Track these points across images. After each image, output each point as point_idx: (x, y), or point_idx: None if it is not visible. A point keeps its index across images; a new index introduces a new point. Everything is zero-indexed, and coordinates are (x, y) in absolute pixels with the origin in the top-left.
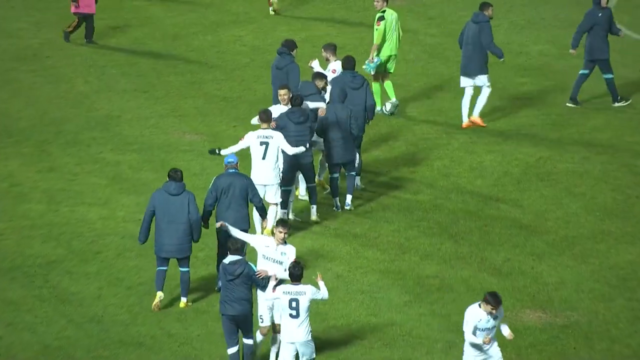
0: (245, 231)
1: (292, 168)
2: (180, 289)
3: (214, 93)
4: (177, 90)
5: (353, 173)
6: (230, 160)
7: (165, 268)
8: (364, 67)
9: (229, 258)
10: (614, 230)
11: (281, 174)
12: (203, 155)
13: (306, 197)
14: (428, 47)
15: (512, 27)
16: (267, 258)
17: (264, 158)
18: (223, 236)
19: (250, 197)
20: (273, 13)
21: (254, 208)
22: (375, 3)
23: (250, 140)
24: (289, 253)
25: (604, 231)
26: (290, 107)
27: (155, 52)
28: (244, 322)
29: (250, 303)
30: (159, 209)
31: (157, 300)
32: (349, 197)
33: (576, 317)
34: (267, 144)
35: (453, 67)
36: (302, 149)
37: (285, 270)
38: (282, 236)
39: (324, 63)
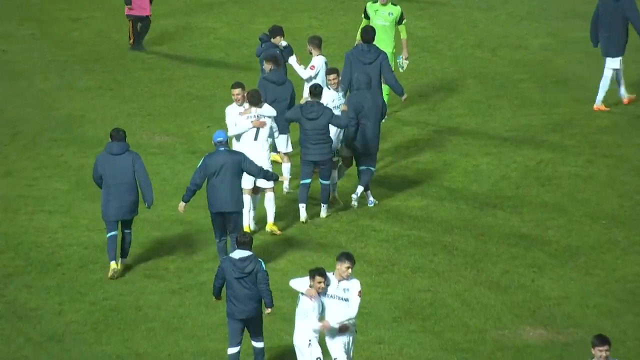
0: (240, 214)
1: (306, 163)
2: (121, 249)
3: (186, 91)
4: (145, 87)
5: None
6: (219, 138)
7: (115, 233)
8: (398, 63)
9: (238, 253)
10: (621, 239)
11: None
12: (174, 158)
13: (289, 191)
14: (418, 40)
15: (510, 18)
16: (330, 296)
17: (255, 139)
18: (217, 219)
19: (246, 170)
20: None
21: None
22: None
23: (242, 121)
24: (353, 288)
25: (610, 240)
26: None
27: (121, 46)
28: (253, 323)
29: (260, 302)
30: (104, 173)
31: (110, 272)
32: (359, 189)
33: (581, 334)
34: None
35: (445, 62)
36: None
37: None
38: (348, 271)
39: (307, 58)
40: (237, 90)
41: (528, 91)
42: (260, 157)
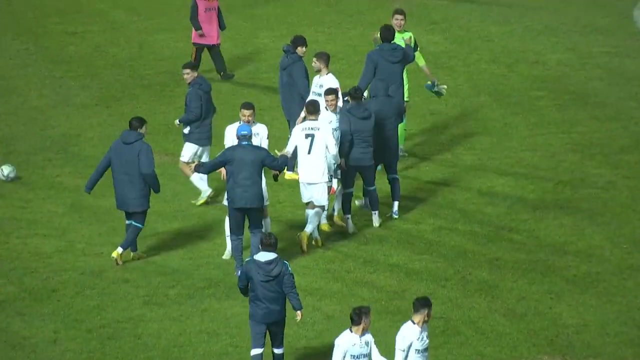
0: (261, 209)
1: (351, 169)
2: (124, 239)
3: None
4: (144, 104)
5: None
6: (243, 132)
7: (127, 222)
8: (437, 89)
9: (263, 255)
10: None
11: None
12: (175, 179)
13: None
14: (431, 55)
15: (527, 32)
16: (355, 357)
17: (309, 152)
18: (237, 215)
19: (269, 166)
20: None
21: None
22: (396, 21)
23: (296, 134)
24: (371, 341)
25: (632, 266)
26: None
27: (119, 62)
28: (275, 328)
29: (284, 306)
30: (113, 159)
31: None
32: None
33: None
34: (312, 136)
35: (460, 78)
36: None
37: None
38: (368, 325)
39: (312, 74)
40: (248, 112)
41: (546, 109)
42: (315, 170)
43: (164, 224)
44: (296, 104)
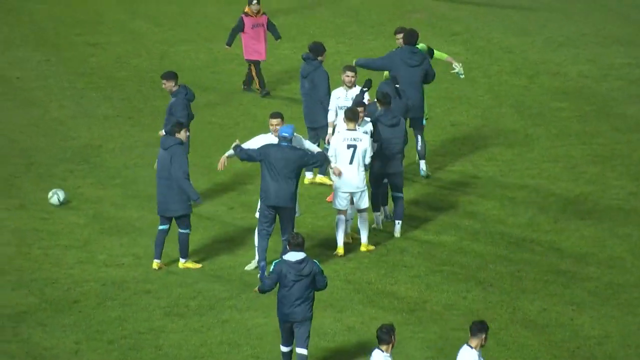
0: (293, 210)
1: (379, 176)
2: (179, 249)
3: (208, 119)
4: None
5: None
6: (284, 134)
7: (162, 227)
8: (456, 72)
9: (293, 255)
10: None
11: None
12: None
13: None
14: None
15: (548, 44)
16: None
17: (351, 163)
18: (269, 212)
19: (310, 164)
20: None
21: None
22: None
23: (338, 143)
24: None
25: None
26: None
27: (140, 73)
28: (302, 327)
29: (312, 306)
30: (157, 164)
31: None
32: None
33: None
34: (354, 147)
35: (480, 90)
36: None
37: None
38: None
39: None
40: (276, 121)
41: (567, 120)
42: (356, 180)
43: None
44: (318, 110)
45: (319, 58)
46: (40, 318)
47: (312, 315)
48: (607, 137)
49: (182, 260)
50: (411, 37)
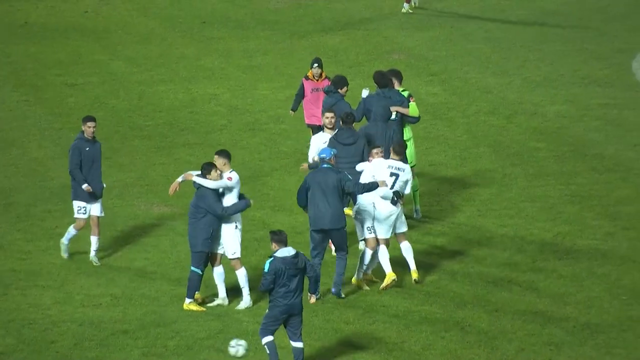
0: (343, 230)
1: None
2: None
3: (186, 159)
4: (144, 156)
5: None
6: (323, 155)
7: (196, 270)
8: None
9: (286, 251)
10: None
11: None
12: (173, 230)
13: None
14: (430, 106)
15: (526, 84)
16: None
17: (391, 189)
18: (317, 237)
19: (346, 189)
20: (408, 10)
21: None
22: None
23: (382, 170)
24: None
25: (631, 317)
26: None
27: (118, 113)
28: (297, 319)
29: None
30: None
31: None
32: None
33: None
34: (397, 175)
35: (458, 130)
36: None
37: None
38: None
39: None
40: (330, 114)
41: (545, 160)
42: (394, 207)
43: (164, 274)
44: None
45: (341, 91)
46: (18, 359)
47: (302, 306)
48: (584, 177)
49: (186, 301)
50: (382, 79)
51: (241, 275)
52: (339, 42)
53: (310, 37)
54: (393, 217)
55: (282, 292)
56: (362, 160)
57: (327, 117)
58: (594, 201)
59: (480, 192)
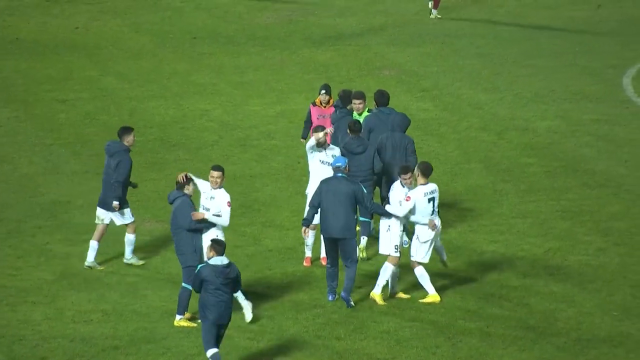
0: (352, 240)
1: None
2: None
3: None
4: (135, 171)
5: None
6: (338, 164)
7: (186, 287)
8: None
9: (219, 259)
10: (634, 332)
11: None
12: (165, 245)
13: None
14: (421, 122)
15: (517, 100)
16: None
17: (432, 214)
18: (329, 244)
19: (359, 201)
20: (437, 16)
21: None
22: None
23: (417, 198)
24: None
25: (622, 333)
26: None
27: (109, 129)
28: (224, 329)
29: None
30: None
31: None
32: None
33: None
34: (434, 199)
35: (449, 146)
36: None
37: None
38: None
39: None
40: (217, 174)
41: (536, 176)
42: (433, 234)
43: (155, 291)
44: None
45: (349, 107)
46: None
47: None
48: (575, 193)
49: (177, 317)
50: (382, 98)
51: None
52: (329, 58)
53: (300, 53)
54: (429, 243)
55: (213, 301)
56: (372, 169)
57: (356, 104)
58: (585, 217)
59: (471, 207)
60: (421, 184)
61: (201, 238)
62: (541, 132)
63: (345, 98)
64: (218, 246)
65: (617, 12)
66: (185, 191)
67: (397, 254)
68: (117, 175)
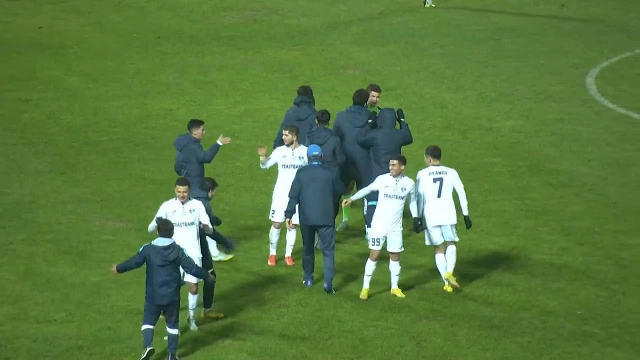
0: (331, 227)
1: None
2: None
3: (141, 175)
4: (98, 171)
5: None
6: (315, 152)
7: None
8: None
9: (161, 240)
10: (597, 331)
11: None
12: (128, 246)
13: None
14: None
15: (481, 99)
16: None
17: (439, 196)
18: (307, 232)
19: (335, 189)
20: (431, 5)
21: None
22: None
23: (424, 179)
24: (409, 186)
25: (586, 332)
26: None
27: (73, 128)
28: (170, 309)
29: (179, 286)
30: None
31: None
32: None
33: None
34: (441, 180)
35: (413, 145)
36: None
37: None
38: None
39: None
40: (183, 188)
41: (499, 175)
42: (449, 212)
43: (119, 290)
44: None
45: (311, 101)
46: None
47: (179, 298)
48: (539, 192)
49: (204, 310)
50: (359, 97)
51: (194, 300)
52: (293, 58)
53: (265, 52)
54: (442, 227)
55: (151, 280)
56: (334, 159)
57: (287, 136)
58: (548, 216)
59: None
60: (432, 165)
61: (207, 243)
62: (505, 132)
63: (309, 92)
64: (163, 226)
65: (581, 12)
66: (209, 194)
67: (375, 248)
68: (200, 159)
